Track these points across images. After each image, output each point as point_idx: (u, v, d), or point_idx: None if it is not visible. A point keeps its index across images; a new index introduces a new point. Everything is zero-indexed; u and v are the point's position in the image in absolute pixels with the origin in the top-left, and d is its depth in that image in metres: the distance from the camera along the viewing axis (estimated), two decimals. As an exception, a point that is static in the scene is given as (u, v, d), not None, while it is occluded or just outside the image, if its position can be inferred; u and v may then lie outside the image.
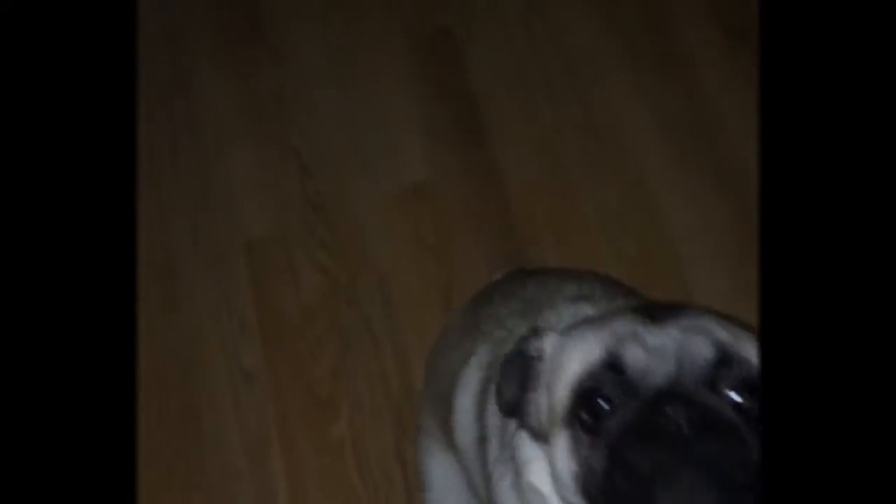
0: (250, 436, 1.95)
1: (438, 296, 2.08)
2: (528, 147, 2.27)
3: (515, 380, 1.15)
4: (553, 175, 2.23)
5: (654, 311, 1.10)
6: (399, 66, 2.39)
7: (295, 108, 2.37)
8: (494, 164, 2.25)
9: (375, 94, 2.36)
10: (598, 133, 2.27)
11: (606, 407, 1.03)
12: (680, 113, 2.23)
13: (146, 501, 1.65)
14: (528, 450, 1.15)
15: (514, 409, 1.16)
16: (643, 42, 2.37)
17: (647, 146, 2.21)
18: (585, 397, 1.05)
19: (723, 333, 1.05)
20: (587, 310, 1.31)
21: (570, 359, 1.09)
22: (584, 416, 1.04)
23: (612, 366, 1.04)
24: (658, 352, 1.03)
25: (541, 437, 1.13)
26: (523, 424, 1.16)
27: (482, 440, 1.33)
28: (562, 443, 1.07)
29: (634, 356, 1.03)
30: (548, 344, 1.14)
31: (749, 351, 1.05)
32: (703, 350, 1.03)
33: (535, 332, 1.16)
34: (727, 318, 1.12)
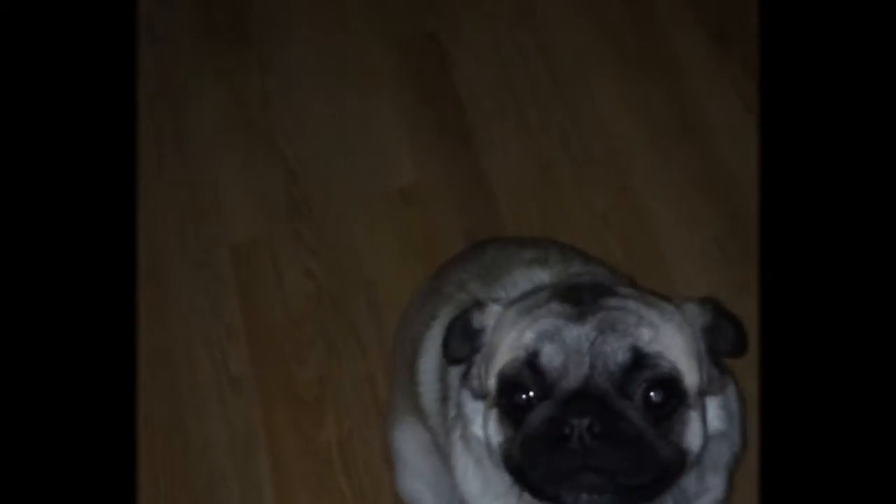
0: (237, 440, 1.94)
1: (425, 299, 2.08)
2: (515, 151, 2.27)
3: (460, 340, 1.25)
4: (540, 178, 2.23)
5: (582, 298, 1.18)
6: (386, 71, 2.40)
7: (281, 113, 2.37)
8: (481, 168, 2.25)
9: (362, 99, 2.37)
10: (584, 136, 2.28)
11: (524, 399, 1.14)
12: (666, 116, 2.24)
13: (131, 506, 1.64)
14: (471, 405, 1.26)
15: (459, 361, 1.28)
16: (629, 46, 2.38)
17: (633, 149, 2.21)
18: (508, 388, 1.16)
19: (641, 331, 1.14)
20: (541, 275, 1.40)
21: (502, 344, 1.19)
22: (507, 404, 1.16)
23: (532, 365, 1.14)
24: (575, 352, 1.13)
25: (480, 397, 1.23)
26: (466, 383, 1.26)
27: (443, 400, 1.40)
28: (492, 416, 1.19)
29: (551, 357, 1.13)
30: (490, 317, 1.24)
31: (669, 339, 1.14)
32: (617, 354, 1.12)
33: (479, 306, 1.26)
34: (652, 299, 1.21)
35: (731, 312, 1.27)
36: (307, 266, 2.17)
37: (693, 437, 1.15)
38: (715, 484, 1.32)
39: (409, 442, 1.67)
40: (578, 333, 1.13)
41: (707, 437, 1.17)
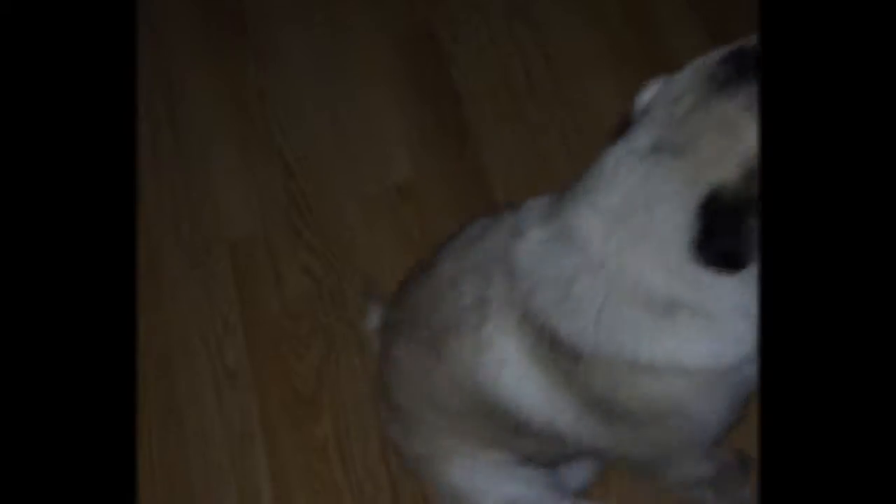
0: (234, 434, 1.94)
1: (423, 295, 2.08)
2: (513, 147, 2.27)
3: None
4: (538, 175, 2.23)
5: None
6: (383, 67, 2.40)
7: (279, 108, 2.37)
8: (479, 165, 2.25)
9: (359, 94, 2.37)
10: (582, 133, 2.28)
11: None
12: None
13: (128, 500, 1.64)
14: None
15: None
16: (627, 43, 2.38)
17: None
18: None
19: None
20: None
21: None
22: None
23: None
24: None
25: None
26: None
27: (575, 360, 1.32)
28: None
29: None
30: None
31: None
32: None
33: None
34: None
35: None
36: (305, 262, 2.17)
37: None
38: None
39: (480, 474, 1.60)
40: None
41: None
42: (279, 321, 2.10)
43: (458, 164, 2.25)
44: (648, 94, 1.27)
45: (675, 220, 1.17)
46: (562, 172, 2.23)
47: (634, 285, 1.23)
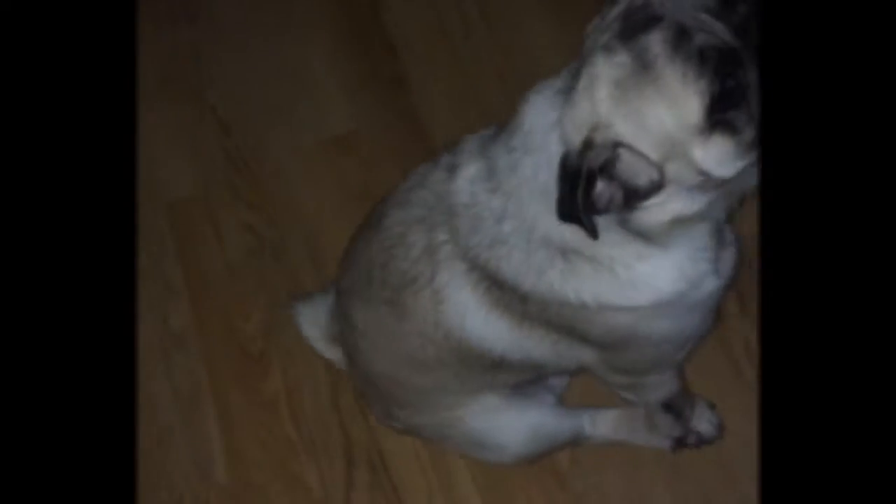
0: (182, 396, 1.93)
1: (367, 246, 2.06)
2: (452, 95, 2.25)
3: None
4: (477, 120, 2.19)
5: None
6: (315, 17, 2.35)
7: (210, 65, 2.32)
8: (418, 113, 2.23)
9: (292, 46, 2.32)
10: (521, 79, 2.23)
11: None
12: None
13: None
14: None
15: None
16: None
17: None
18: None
19: None
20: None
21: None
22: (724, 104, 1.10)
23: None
24: None
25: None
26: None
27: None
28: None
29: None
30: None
31: None
32: None
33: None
34: None
35: None
36: (246, 220, 2.14)
37: None
38: None
39: (499, 412, 1.61)
40: None
41: None
42: (223, 281, 2.07)
43: (395, 111, 2.23)
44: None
45: (551, 172, 1.18)
46: (501, 117, 2.21)
47: (537, 229, 1.25)
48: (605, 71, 1.12)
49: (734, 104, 1.09)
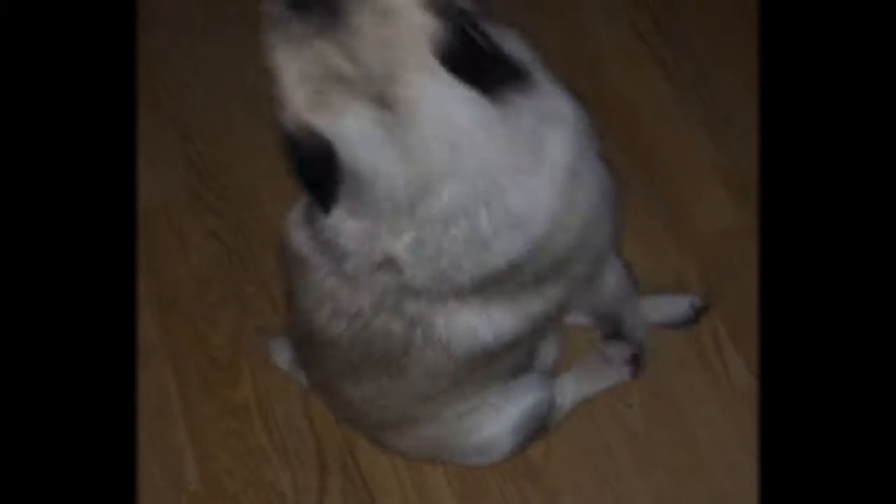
0: (152, 410, 1.90)
1: (334, 250, 2.05)
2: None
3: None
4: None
5: None
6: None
7: (163, 72, 2.29)
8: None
9: (247, 45, 2.28)
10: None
11: None
12: (559, 48, 2.24)
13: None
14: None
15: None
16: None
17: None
18: None
19: None
20: None
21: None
22: None
23: None
24: None
25: None
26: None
27: None
28: None
29: None
30: None
31: None
32: None
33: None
34: None
35: None
36: (210, 226, 2.12)
37: None
38: None
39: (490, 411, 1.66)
40: None
41: None
42: (189, 290, 2.05)
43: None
44: None
45: None
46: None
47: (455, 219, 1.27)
48: None
49: None
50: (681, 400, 1.85)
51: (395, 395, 1.53)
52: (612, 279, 1.63)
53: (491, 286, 1.33)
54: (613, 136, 2.13)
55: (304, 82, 1.19)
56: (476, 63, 1.14)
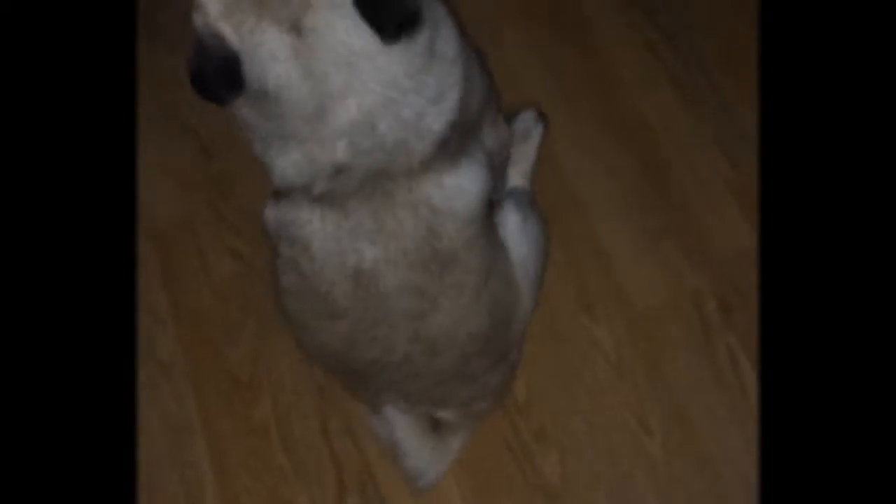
0: (171, 425, 1.93)
1: (352, 269, 2.07)
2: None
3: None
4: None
5: None
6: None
7: (189, 89, 2.30)
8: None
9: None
10: (497, 88, 2.27)
11: None
12: (574, 67, 2.25)
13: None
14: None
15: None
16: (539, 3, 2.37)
17: (545, 100, 2.21)
18: None
19: None
20: None
21: None
22: None
23: None
24: None
25: None
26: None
27: None
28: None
29: None
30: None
31: None
32: None
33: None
34: None
35: None
36: (231, 245, 2.14)
37: None
38: None
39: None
40: None
41: None
42: (210, 308, 2.07)
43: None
44: None
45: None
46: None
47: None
48: None
49: None
50: (699, 423, 1.86)
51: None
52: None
53: (442, 147, 1.44)
54: (627, 153, 2.14)
55: None
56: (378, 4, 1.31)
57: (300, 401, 1.94)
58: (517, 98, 2.23)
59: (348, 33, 1.30)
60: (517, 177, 2.04)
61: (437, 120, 1.42)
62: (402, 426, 1.75)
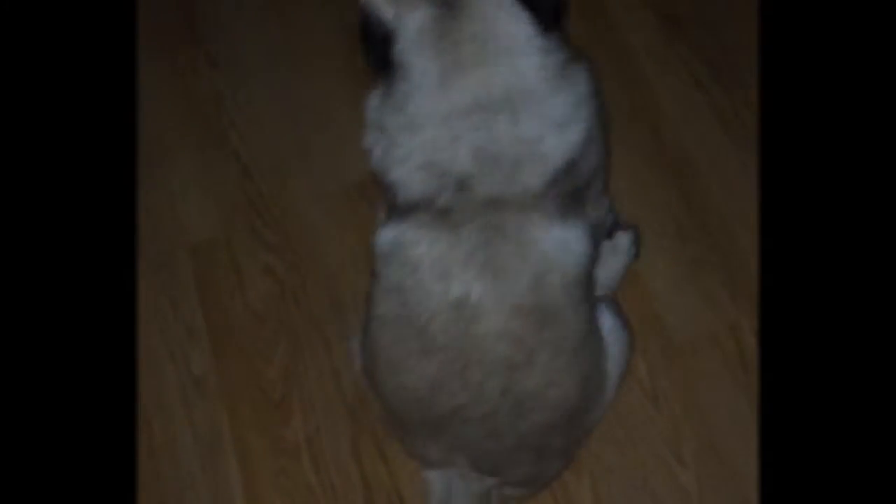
0: (203, 442, 1.93)
1: (387, 291, 2.07)
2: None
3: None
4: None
5: None
6: (337, 62, 2.38)
7: (233, 110, 2.34)
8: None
9: (315, 92, 2.35)
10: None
11: None
12: (616, 98, 2.25)
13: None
14: None
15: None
16: (577, 29, 2.38)
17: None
18: None
19: None
20: None
21: None
22: None
23: None
24: None
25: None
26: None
27: None
28: None
29: None
30: None
31: None
32: None
33: None
34: None
35: None
36: (267, 263, 2.15)
37: None
38: None
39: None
40: None
41: None
42: (244, 325, 2.08)
43: (416, 158, 2.24)
44: None
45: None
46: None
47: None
48: None
49: None
50: (735, 457, 1.83)
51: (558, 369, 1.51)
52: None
53: (554, 189, 1.41)
54: (670, 186, 2.14)
55: None
56: None
57: (331, 421, 1.93)
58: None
59: (500, 16, 1.35)
60: (603, 287, 1.92)
61: (556, 149, 1.40)
62: (459, 493, 1.68)
